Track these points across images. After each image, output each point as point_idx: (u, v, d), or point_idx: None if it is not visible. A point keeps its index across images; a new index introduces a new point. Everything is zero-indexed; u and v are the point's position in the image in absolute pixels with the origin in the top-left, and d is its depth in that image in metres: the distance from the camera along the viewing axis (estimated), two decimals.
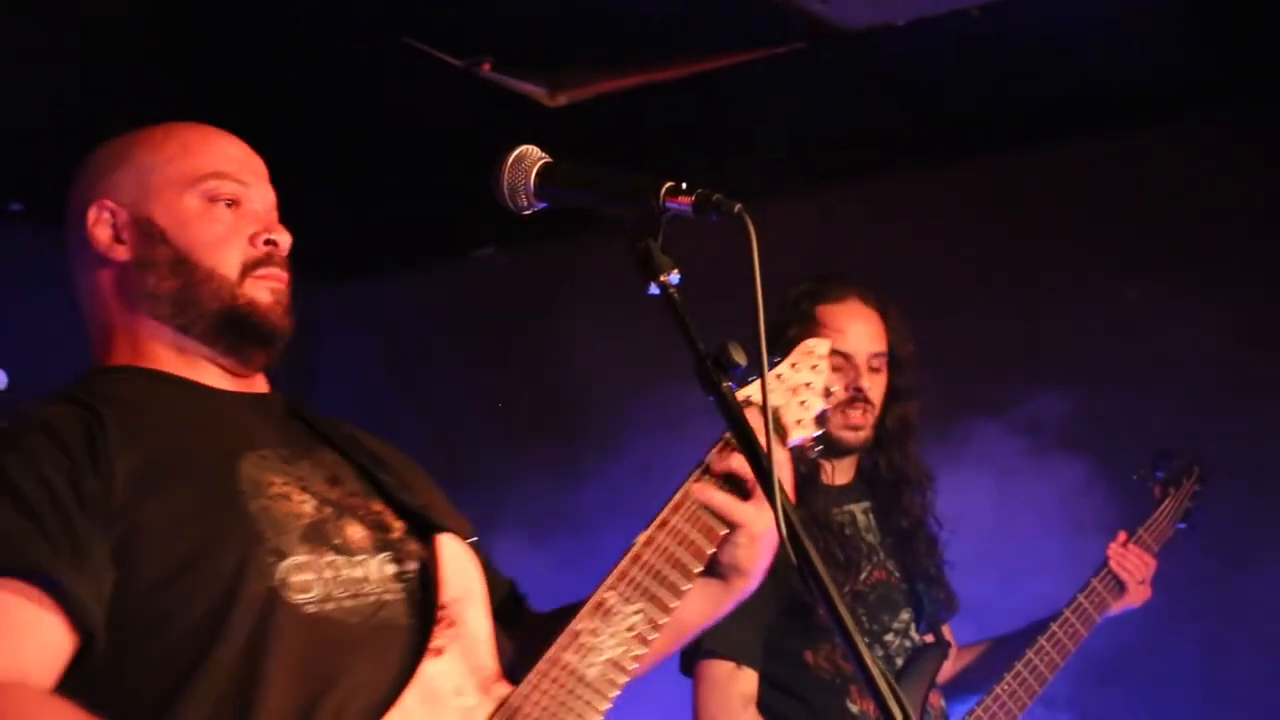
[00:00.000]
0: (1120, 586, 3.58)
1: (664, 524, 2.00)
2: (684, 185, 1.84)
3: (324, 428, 2.10)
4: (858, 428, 3.42)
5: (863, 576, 3.42)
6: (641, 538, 2.00)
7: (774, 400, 2.13)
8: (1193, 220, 4.63)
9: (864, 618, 3.36)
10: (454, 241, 5.44)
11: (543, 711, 1.87)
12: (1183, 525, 3.72)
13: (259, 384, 2.12)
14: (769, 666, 3.25)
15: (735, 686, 3.21)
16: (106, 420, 1.87)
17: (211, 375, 2.05)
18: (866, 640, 3.26)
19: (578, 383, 5.02)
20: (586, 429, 5.06)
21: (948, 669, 3.50)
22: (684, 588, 1.98)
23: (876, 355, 3.45)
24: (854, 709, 3.31)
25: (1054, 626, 3.53)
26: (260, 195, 2.10)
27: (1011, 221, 4.85)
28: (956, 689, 3.62)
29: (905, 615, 3.47)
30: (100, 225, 2.05)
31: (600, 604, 1.94)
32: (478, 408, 5.20)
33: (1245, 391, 4.45)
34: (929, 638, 3.51)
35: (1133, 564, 3.57)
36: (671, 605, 1.97)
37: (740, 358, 1.81)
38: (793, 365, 2.18)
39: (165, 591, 1.80)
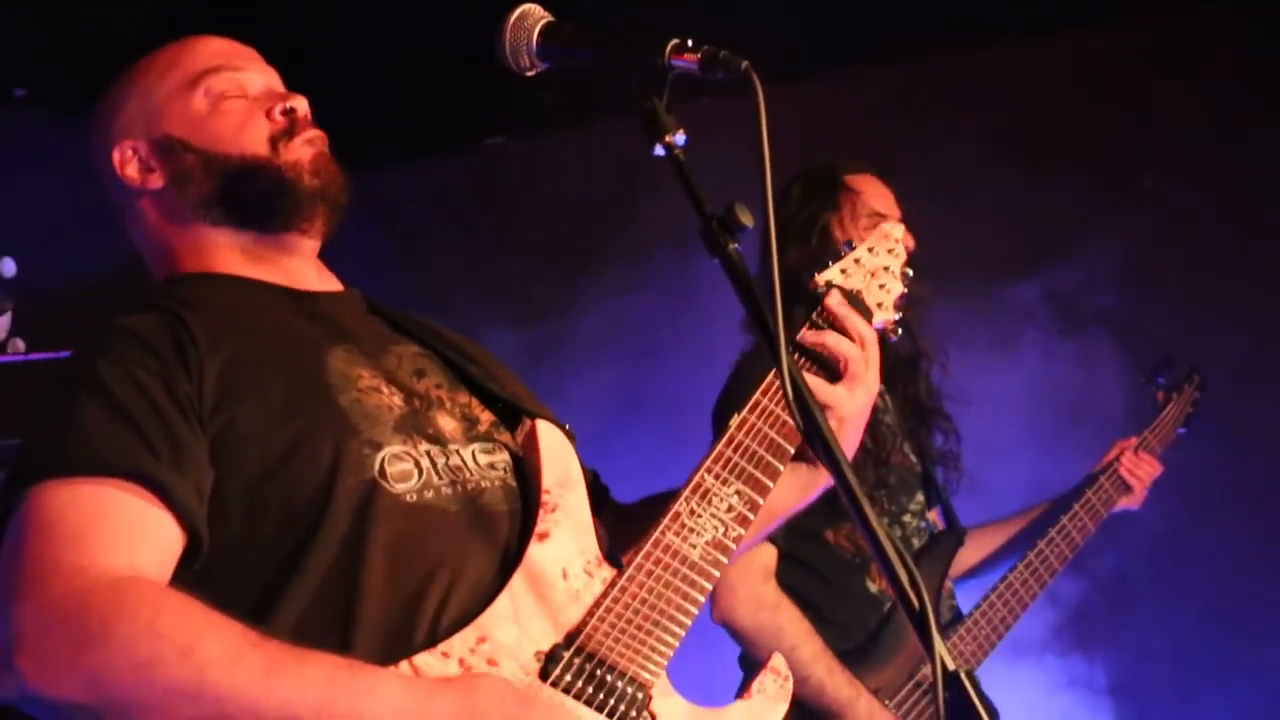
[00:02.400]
0: (1125, 487, 3.62)
1: (756, 406, 2.00)
2: (689, 42, 1.80)
3: (404, 322, 2.09)
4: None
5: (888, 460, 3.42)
6: (735, 420, 2.00)
7: (854, 284, 2.15)
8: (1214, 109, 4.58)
9: (884, 499, 3.36)
10: (464, 131, 5.39)
11: (649, 592, 1.86)
12: (1183, 430, 3.80)
13: (332, 282, 2.11)
14: (789, 543, 3.25)
15: (755, 559, 3.22)
16: (191, 324, 1.86)
17: (282, 274, 2.04)
18: (884, 521, 3.33)
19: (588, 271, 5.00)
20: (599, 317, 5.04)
21: (962, 553, 3.51)
22: (779, 469, 1.99)
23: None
24: (872, 588, 3.33)
25: (1064, 519, 3.58)
26: (261, 75, 2.09)
27: (1028, 107, 4.79)
28: (965, 575, 3.65)
29: (920, 497, 3.49)
30: (129, 165, 2.05)
31: (699, 486, 1.94)
32: (489, 300, 5.17)
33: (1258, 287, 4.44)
34: (941, 522, 3.52)
35: (1141, 468, 3.63)
36: (768, 486, 1.97)
37: (747, 219, 1.78)
38: (870, 249, 2.20)
39: (263, 489, 1.79)
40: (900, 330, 2.24)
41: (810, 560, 3.32)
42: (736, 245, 1.77)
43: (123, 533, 1.70)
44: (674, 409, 4.35)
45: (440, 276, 5.29)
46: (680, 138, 1.80)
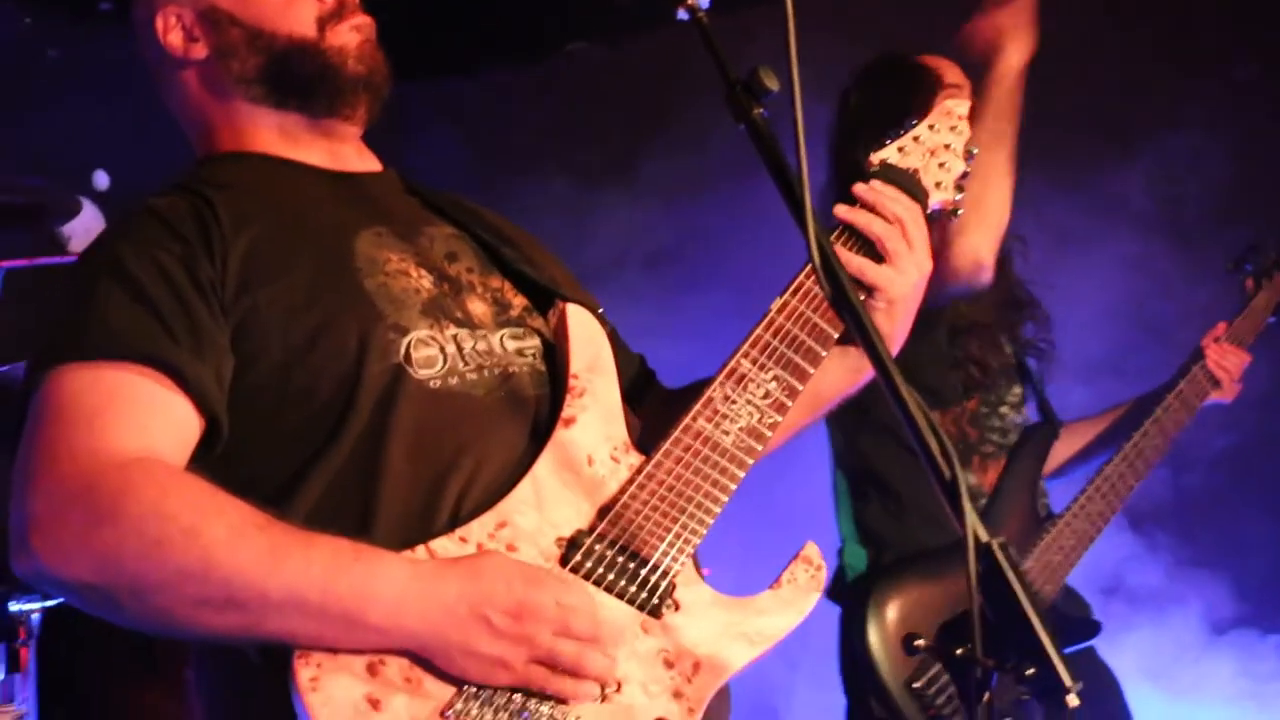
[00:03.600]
0: (1215, 380, 3.52)
1: (799, 288, 1.95)
2: None
3: (441, 203, 2.06)
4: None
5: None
6: (776, 303, 1.95)
7: (911, 162, 2.09)
8: None
9: (982, 392, 3.32)
10: (546, 36, 5.34)
11: (676, 479, 1.82)
12: (1274, 319, 3.67)
13: (371, 162, 2.09)
14: (885, 434, 3.20)
15: None
16: (218, 206, 1.84)
17: (319, 155, 2.03)
18: (985, 409, 3.28)
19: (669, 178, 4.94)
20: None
21: (1056, 447, 3.45)
22: (821, 354, 1.94)
23: None
24: (971, 480, 3.28)
25: (1158, 411, 3.49)
26: None
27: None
28: (1059, 470, 3.58)
29: (1018, 390, 3.43)
30: (172, 31, 2.02)
31: (734, 371, 1.89)
32: (567, 208, 5.14)
33: None
34: (1036, 414, 3.46)
35: (1228, 359, 3.53)
36: (808, 372, 1.92)
37: (772, 83, 1.74)
38: (931, 126, 2.14)
39: (286, 374, 1.77)
40: (960, 210, 2.17)
41: (905, 448, 3.26)
42: (762, 110, 1.73)
43: (136, 416, 1.70)
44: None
45: (518, 184, 5.26)
46: (704, 0, 1.75)
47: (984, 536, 1.58)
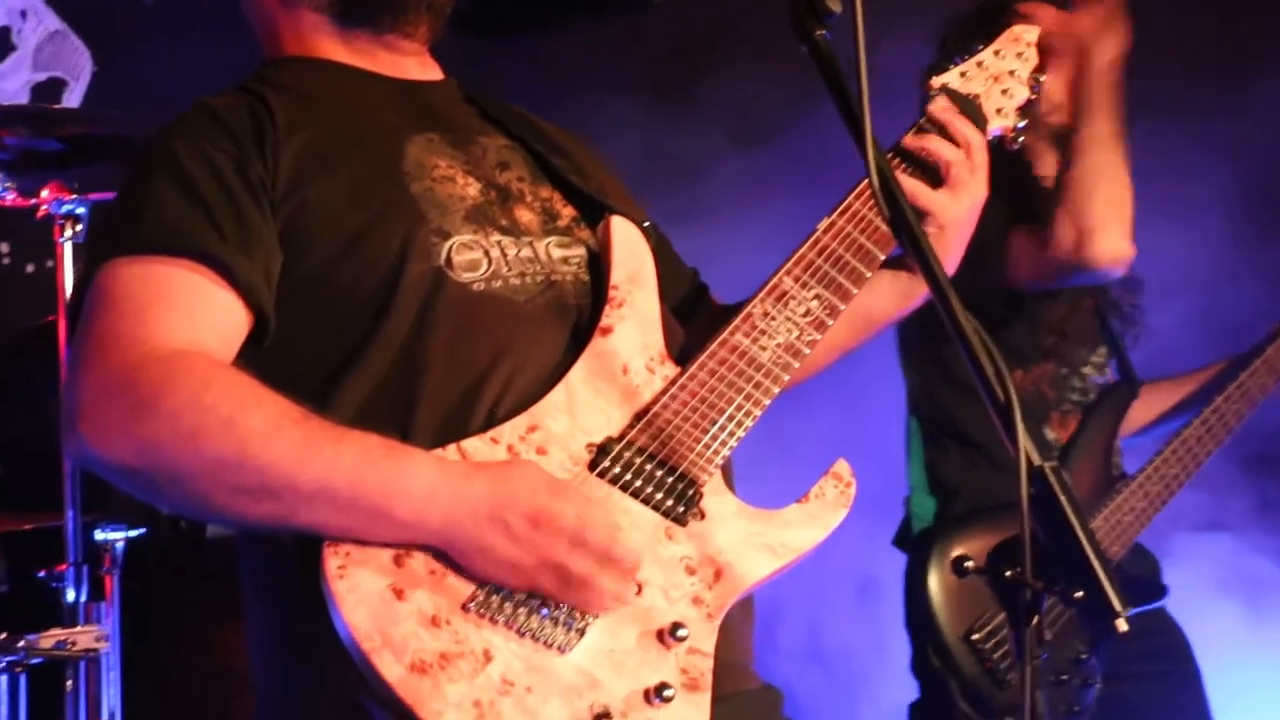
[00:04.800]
0: None
1: (847, 209, 1.96)
2: None
3: (498, 112, 2.08)
4: None
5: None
6: (823, 223, 1.95)
7: (973, 87, 2.10)
8: None
9: (1062, 352, 3.29)
10: None
11: (710, 391, 1.83)
12: None
13: (431, 70, 2.11)
14: (967, 391, 3.19)
15: None
16: (274, 106, 1.88)
17: (380, 62, 2.05)
18: (1064, 370, 3.25)
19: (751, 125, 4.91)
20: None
21: (1135, 408, 3.40)
22: (865, 275, 1.94)
23: None
24: (1050, 435, 3.27)
25: (1243, 376, 3.42)
26: None
27: None
28: (1139, 431, 3.54)
29: (1102, 351, 3.38)
30: None
31: (775, 288, 1.91)
32: (651, 156, 5.12)
33: None
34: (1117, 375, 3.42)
35: None
36: (851, 292, 1.93)
37: (835, 4, 1.73)
38: (997, 52, 2.14)
39: (330, 273, 1.81)
40: (1021, 139, 2.16)
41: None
42: (825, 32, 1.73)
43: (183, 309, 1.74)
44: None
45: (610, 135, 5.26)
46: None
47: (1037, 460, 1.57)
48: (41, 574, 3.45)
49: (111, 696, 3.44)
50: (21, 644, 3.32)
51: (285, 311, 1.80)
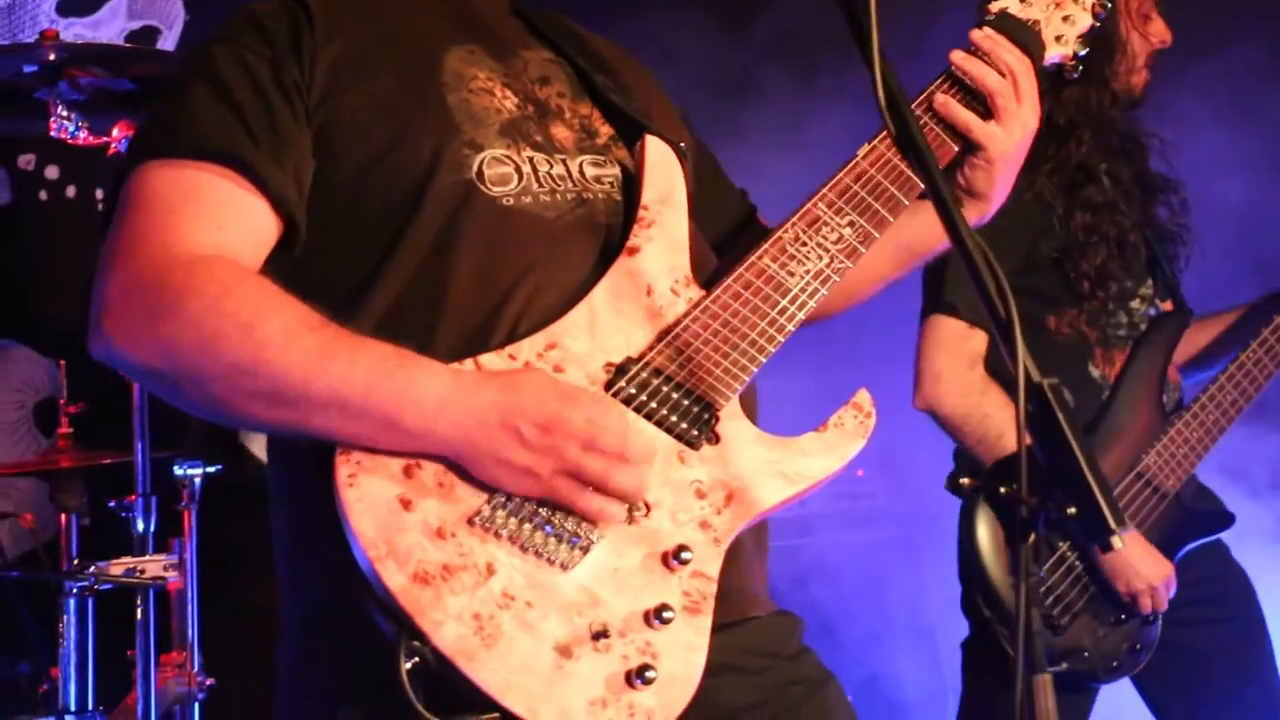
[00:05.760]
0: None
1: (889, 136, 1.92)
2: None
3: (545, 25, 2.06)
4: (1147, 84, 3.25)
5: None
6: (863, 150, 1.93)
7: (1033, 14, 2.06)
8: None
9: (1111, 283, 3.21)
10: None
11: (733, 315, 1.81)
12: None
13: None
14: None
15: (966, 345, 3.12)
16: (314, 13, 1.88)
17: None
18: (1112, 305, 3.17)
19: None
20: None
21: (1186, 338, 3.33)
22: (903, 203, 1.92)
23: None
24: (1095, 372, 3.20)
25: None
26: None
27: None
28: (1190, 363, 3.46)
29: (1150, 283, 3.31)
30: None
31: (808, 213, 1.88)
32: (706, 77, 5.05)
33: None
34: (1168, 304, 3.34)
35: None
36: (887, 220, 1.91)
37: None
38: None
39: (361, 180, 1.81)
40: (1081, 68, 2.12)
41: (1031, 350, 3.17)
42: None
43: (211, 213, 1.75)
44: None
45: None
46: None
47: (1035, 376, 1.55)
48: (111, 504, 3.54)
49: (190, 629, 3.52)
50: (91, 570, 3.43)
51: (316, 220, 1.81)
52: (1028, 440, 1.54)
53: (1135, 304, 3.26)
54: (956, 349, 3.12)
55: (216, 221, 1.75)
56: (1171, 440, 3.16)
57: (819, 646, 1.97)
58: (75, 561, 3.59)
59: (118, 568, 3.41)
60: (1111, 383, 3.18)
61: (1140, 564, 3.03)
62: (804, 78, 4.90)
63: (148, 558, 3.46)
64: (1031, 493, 1.53)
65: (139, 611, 3.42)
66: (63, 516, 3.73)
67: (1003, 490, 1.55)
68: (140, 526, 3.52)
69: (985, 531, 3.01)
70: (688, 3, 5.12)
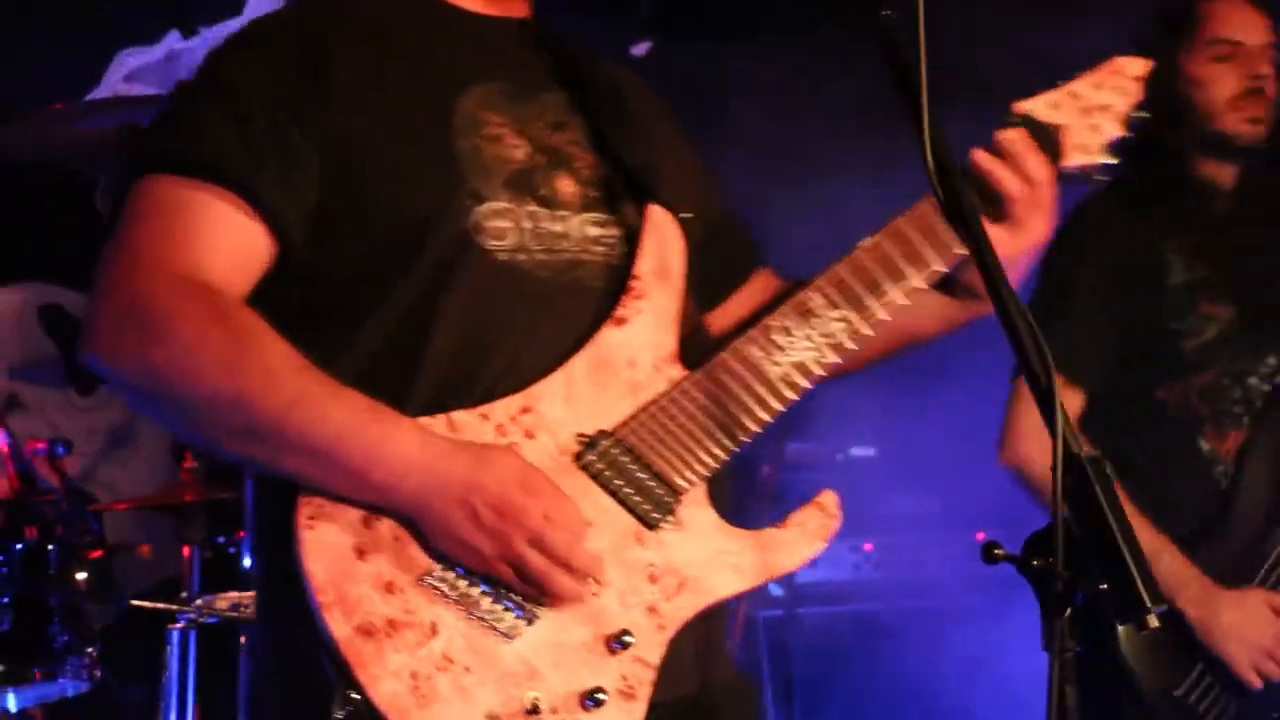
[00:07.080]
0: None
1: (894, 232, 1.89)
2: None
3: (569, 64, 2.02)
4: (1257, 120, 3.05)
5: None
6: (867, 242, 1.90)
7: (1060, 119, 1.98)
8: None
9: (1226, 358, 3.10)
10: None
11: (710, 399, 1.80)
12: None
13: (517, 7, 2.02)
14: (1113, 402, 3.02)
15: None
16: (333, 31, 1.85)
17: None
18: (1226, 381, 3.07)
19: None
20: None
21: None
22: (897, 302, 1.88)
23: (1271, 46, 3.07)
24: (1205, 448, 3.06)
25: None
26: None
27: None
28: None
29: (1273, 360, 3.16)
30: None
31: (802, 304, 1.86)
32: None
33: None
34: None
35: None
36: (879, 318, 1.87)
37: None
38: (1095, 84, 2.02)
39: (361, 211, 1.79)
40: (1101, 175, 2.02)
41: (1135, 420, 3.09)
42: (890, 11, 1.68)
43: (206, 236, 1.76)
44: None
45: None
46: None
47: (1075, 448, 1.53)
48: (221, 539, 3.63)
49: None
50: (198, 602, 3.52)
51: (314, 244, 1.80)
52: (1065, 511, 1.52)
53: (1253, 381, 3.06)
54: None
55: (212, 244, 1.76)
56: None
57: None
58: (184, 595, 3.67)
59: (223, 602, 3.50)
60: (1222, 459, 3.05)
61: (1248, 630, 2.89)
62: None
63: (251, 593, 3.53)
64: (1067, 566, 1.52)
65: (241, 645, 3.51)
66: (185, 549, 3.81)
67: (1035, 563, 1.54)
68: (247, 563, 3.60)
69: (1127, 638, 2.88)
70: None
